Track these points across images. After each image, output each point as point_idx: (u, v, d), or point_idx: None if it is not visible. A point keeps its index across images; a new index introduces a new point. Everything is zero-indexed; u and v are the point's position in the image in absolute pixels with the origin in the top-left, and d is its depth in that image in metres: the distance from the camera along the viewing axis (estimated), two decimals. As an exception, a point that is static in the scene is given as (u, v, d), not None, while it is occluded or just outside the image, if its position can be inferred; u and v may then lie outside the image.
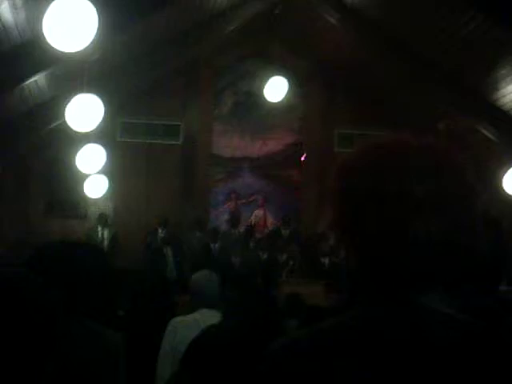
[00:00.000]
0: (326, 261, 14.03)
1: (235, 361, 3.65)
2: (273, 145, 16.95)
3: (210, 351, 3.81)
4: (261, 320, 4.00)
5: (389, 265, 1.49)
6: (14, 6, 8.21)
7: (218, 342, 3.87)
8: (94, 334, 2.75)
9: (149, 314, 6.90)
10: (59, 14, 6.16)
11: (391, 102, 15.32)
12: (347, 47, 14.15)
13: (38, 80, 10.78)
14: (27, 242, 11.77)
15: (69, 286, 2.66)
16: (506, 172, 11.80)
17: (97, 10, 6.35)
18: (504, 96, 11.62)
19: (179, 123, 16.52)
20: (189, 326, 4.96)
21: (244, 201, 16.79)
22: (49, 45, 6.40)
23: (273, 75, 13.30)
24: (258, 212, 16.70)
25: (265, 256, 14.00)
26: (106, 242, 14.89)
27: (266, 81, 13.47)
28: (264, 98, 13.83)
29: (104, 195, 14.52)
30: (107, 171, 13.41)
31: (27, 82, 10.61)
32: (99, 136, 11.99)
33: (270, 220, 16.66)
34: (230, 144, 16.84)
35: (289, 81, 13.59)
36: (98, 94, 9.58)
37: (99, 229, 15.14)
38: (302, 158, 16.97)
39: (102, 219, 15.17)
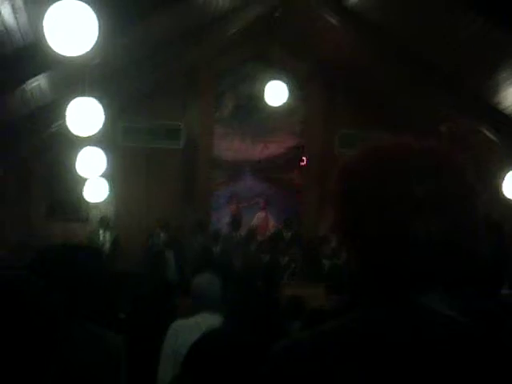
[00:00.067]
0: (328, 263, 14.02)
1: (236, 364, 3.65)
2: (274, 148, 16.95)
3: (212, 354, 3.81)
4: (262, 323, 4.00)
5: (390, 266, 1.50)
6: (15, 9, 8.22)
7: (220, 345, 3.87)
8: (95, 337, 2.75)
9: (150, 317, 6.89)
10: (60, 17, 6.17)
11: (392, 105, 15.32)
12: (347, 50, 14.17)
13: (39, 83, 10.78)
14: (29, 244, 11.75)
15: (70, 288, 2.66)
16: (506, 175, 11.79)
17: (97, 13, 6.36)
18: (505, 99, 11.62)
19: (180, 126, 16.52)
20: (190, 329, 4.96)
21: (245, 204, 16.79)
22: (51, 48, 6.41)
23: (273, 78, 13.30)
24: (260, 215, 16.69)
25: (266, 259, 14.00)
26: (107, 245, 14.91)
27: (266, 84, 13.47)
28: (265, 100, 13.84)
29: (105, 198, 14.53)
30: (108, 174, 13.41)
31: (29, 85, 10.62)
32: (100, 139, 12.00)
33: (272, 223, 16.66)
34: (231, 147, 16.84)
35: (289, 84, 13.60)
36: (99, 97, 9.60)
37: (101, 232, 15.16)
38: (303, 161, 16.97)
39: (104, 222, 15.18)
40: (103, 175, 12.96)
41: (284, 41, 15.25)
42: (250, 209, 16.71)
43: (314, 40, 15.14)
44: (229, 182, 16.92)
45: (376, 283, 1.55)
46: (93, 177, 12.86)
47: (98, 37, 6.44)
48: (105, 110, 9.68)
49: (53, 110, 12.09)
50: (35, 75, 10.23)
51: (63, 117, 9.74)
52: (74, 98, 9.44)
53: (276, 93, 13.29)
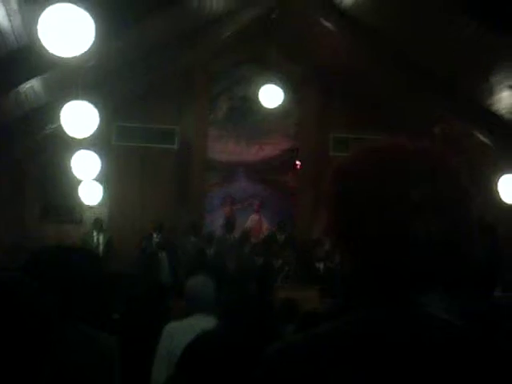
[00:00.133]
0: (321, 266, 14.03)
1: (230, 366, 3.66)
2: (268, 150, 16.94)
3: (206, 356, 3.82)
4: (256, 325, 4.00)
5: (388, 267, 1.49)
6: (9, 12, 8.22)
7: (213, 347, 3.87)
8: (88, 339, 2.75)
9: (143, 319, 6.89)
10: (54, 19, 6.17)
11: (387, 107, 15.32)
12: (342, 53, 14.18)
13: (33, 85, 10.77)
14: (22, 246, 11.73)
15: (64, 290, 2.66)
16: (500, 177, 11.81)
17: (92, 15, 6.36)
18: (499, 102, 11.65)
19: (174, 128, 16.52)
20: (184, 331, 4.95)
21: (239, 206, 16.78)
22: (45, 50, 6.41)
23: (268, 81, 13.30)
24: (254, 217, 16.69)
25: (260, 261, 13.99)
26: (101, 247, 14.89)
27: (261, 86, 13.46)
28: (259, 103, 13.83)
29: (99, 200, 14.52)
30: (102, 176, 13.41)
31: (23, 87, 10.61)
32: (94, 141, 11.99)
33: (266, 225, 16.65)
34: (225, 149, 16.83)
35: (284, 86, 13.60)
36: (93, 99, 9.59)
37: (94, 234, 15.13)
38: (298, 164, 16.97)
39: (98, 224, 15.16)
40: (97, 177, 12.96)
41: (279, 43, 15.25)
42: (243, 211, 16.71)
43: (309, 43, 15.14)
44: (223, 184, 16.91)
45: (372, 285, 1.55)
46: (87, 179, 12.85)
47: (93, 39, 6.44)
48: (99, 112, 9.68)
49: (47, 112, 12.08)
50: (29, 78, 10.23)
51: (57, 119, 9.74)
52: (68, 100, 9.44)
53: (271, 95, 13.29)
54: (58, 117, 9.55)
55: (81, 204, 14.92)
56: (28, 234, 14.72)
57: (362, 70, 14.46)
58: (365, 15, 12.10)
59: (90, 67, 9.79)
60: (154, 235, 14.96)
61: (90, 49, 6.58)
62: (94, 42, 6.53)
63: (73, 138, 10.21)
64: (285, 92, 13.52)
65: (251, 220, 16.60)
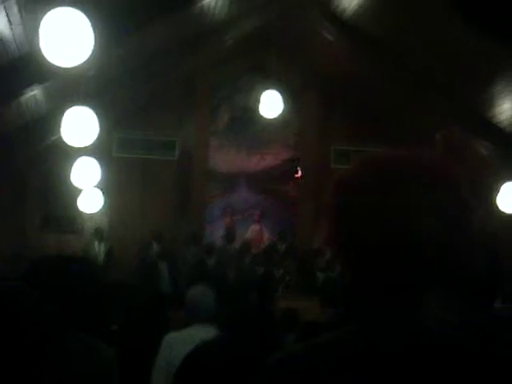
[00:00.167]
0: (322, 276, 14.01)
1: (230, 376, 3.65)
2: (269, 160, 16.93)
3: (205, 366, 3.80)
4: (257, 335, 3.99)
5: (388, 279, 1.50)
6: (11, 20, 8.23)
7: (213, 358, 3.86)
8: (88, 348, 2.74)
9: (142, 329, 6.88)
10: (55, 27, 6.17)
11: (388, 118, 15.32)
12: (344, 62, 14.19)
13: (34, 94, 10.78)
14: (23, 256, 11.71)
15: (64, 300, 2.66)
16: (500, 188, 11.80)
17: (93, 23, 6.36)
18: (500, 112, 11.65)
19: (175, 138, 16.51)
20: (184, 341, 4.94)
21: (240, 216, 16.76)
22: (46, 59, 6.42)
23: (268, 90, 13.26)
24: (254, 227, 16.67)
25: (261, 271, 13.98)
26: (101, 257, 14.87)
27: (261, 95, 13.43)
28: (260, 112, 13.81)
29: (100, 210, 14.50)
30: (103, 185, 13.40)
31: (24, 96, 10.62)
32: (95, 151, 11.99)
33: (267, 235, 16.63)
34: (226, 159, 16.81)
35: (285, 95, 13.58)
36: (94, 108, 9.58)
37: (95, 243, 15.12)
38: (299, 174, 16.95)
39: (98, 234, 15.15)
40: (98, 186, 12.95)
41: (280, 52, 15.25)
42: (244, 221, 16.68)
43: (310, 52, 15.16)
44: (223, 194, 16.88)
45: (372, 296, 1.55)
46: (87, 187, 12.83)
47: (94, 47, 6.45)
48: (100, 121, 9.66)
49: (48, 121, 12.09)
50: (30, 86, 10.23)
51: (58, 128, 9.73)
52: (69, 108, 9.43)
53: (271, 104, 13.25)
54: (59, 127, 9.54)
55: (81, 214, 14.90)
56: (28, 243, 14.70)
57: (363, 80, 14.46)
58: (365, 25, 12.12)
59: (91, 76, 9.80)
60: (154, 245, 14.95)
61: (91, 57, 6.57)
62: (95, 49, 6.53)
63: (73, 148, 10.19)
64: (285, 101, 13.49)
65: (252, 230, 16.58)
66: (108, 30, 8.68)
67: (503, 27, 9.05)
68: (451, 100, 12.22)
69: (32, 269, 2.82)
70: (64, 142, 9.76)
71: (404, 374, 1.42)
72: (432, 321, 1.51)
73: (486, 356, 1.48)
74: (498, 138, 12.20)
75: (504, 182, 11.80)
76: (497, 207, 11.77)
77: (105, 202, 14.35)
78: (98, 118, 9.57)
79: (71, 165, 11.77)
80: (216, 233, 16.36)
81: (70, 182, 11.93)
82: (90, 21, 6.34)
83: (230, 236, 15.41)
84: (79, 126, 9.35)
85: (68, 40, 6.24)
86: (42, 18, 6.19)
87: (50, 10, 6.23)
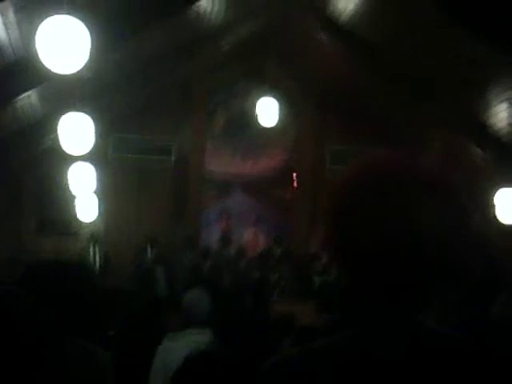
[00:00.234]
0: (319, 280, 14.01)
1: (226, 380, 3.64)
2: (265, 164, 16.94)
3: (201, 370, 3.80)
4: (252, 340, 3.99)
5: (385, 283, 1.50)
6: (7, 24, 8.23)
7: (209, 362, 3.86)
8: (85, 353, 2.74)
9: (140, 333, 6.87)
10: (52, 33, 6.17)
11: (384, 121, 15.32)
12: (340, 67, 14.19)
13: (30, 98, 10.77)
14: (19, 260, 11.70)
15: (60, 304, 2.65)
16: (497, 194, 11.82)
17: (89, 27, 6.36)
18: (496, 118, 11.66)
19: (172, 143, 16.51)
20: (180, 344, 4.95)
21: (236, 220, 16.76)
22: (42, 63, 6.41)
23: (265, 95, 13.24)
24: (250, 231, 16.67)
25: (256, 275, 13.97)
26: (97, 261, 14.86)
27: (258, 100, 13.39)
28: (257, 117, 13.77)
29: (95, 215, 14.48)
30: (98, 190, 13.38)
31: (20, 101, 10.61)
32: (91, 155, 11.97)
33: (262, 239, 16.64)
34: (222, 163, 16.82)
35: (281, 100, 13.58)
36: (90, 112, 9.57)
37: (91, 248, 15.11)
38: (294, 178, 16.96)
39: (94, 238, 15.14)
40: (93, 191, 12.93)
41: (277, 57, 15.26)
42: (240, 225, 16.69)
43: (307, 57, 15.15)
44: (219, 198, 16.89)
45: (368, 300, 1.55)
46: (83, 193, 12.82)
47: (90, 52, 6.44)
48: (96, 126, 9.66)
49: (44, 125, 12.08)
50: (26, 90, 10.22)
51: (54, 132, 9.72)
52: (65, 113, 9.41)
53: (267, 111, 13.21)
54: (55, 131, 9.53)
55: (77, 218, 14.89)
56: (24, 247, 14.68)
57: (359, 85, 14.46)
58: (361, 30, 12.12)
59: (87, 80, 9.79)
60: (148, 250, 14.95)
61: (87, 62, 6.56)
62: (92, 53, 6.53)
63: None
64: (282, 106, 13.49)
65: (247, 234, 16.58)
66: (104, 35, 8.67)
67: (500, 34, 9.06)
68: (448, 106, 12.22)
69: (28, 273, 2.81)
70: (60, 146, 9.75)
71: (400, 379, 1.42)
72: (432, 321, 1.51)
73: (485, 357, 1.48)
74: (494, 146, 12.21)
75: (500, 188, 11.81)
76: (494, 212, 11.77)
77: (100, 207, 14.33)
78: (94, 122, 9.56)
79: (67, 169, 11.76)
80: (212, 237, 16.35)
81: (66, 186, 11.92)
82: (87, 25, 6.33)
83: (225, 240, 15.41)
84: (76, 132, 9.32)
85: (65, 47, 6.23)
86: (38, 23, 6.18)
87: (46, 14, 6.22)
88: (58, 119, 9.45)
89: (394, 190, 1.51)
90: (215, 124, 16.94)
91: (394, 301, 1.51)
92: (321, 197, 14.80)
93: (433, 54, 10.94)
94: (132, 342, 6.79)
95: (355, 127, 15.73)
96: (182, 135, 16.47)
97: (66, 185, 11.84)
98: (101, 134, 11.31)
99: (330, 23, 12.68)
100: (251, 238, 16.63)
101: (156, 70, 13.54)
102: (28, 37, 7.84)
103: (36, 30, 6.19)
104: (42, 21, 6.18)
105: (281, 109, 13.35)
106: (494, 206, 11.73)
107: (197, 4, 11.03)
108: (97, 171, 12.13)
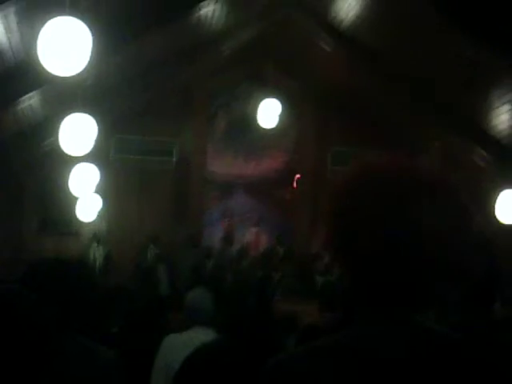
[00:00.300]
0: (321, 279, 14.01)
1: (229, 379, 3.64)
2: (267, 165, 16.97)
3: (204, 369, 3.80)
4: (255, 338, 3.99)
5: (386, 283, 1.50)
6: (7, 28, 8.23)
7: (212, 361, 3.85)
8: (88, 351, 2.73)
9: (142, 332, 6.87)
10: (53, 35, 6.15)
11: (385, 123, 15.34)
12: (341, 71, 14.19)
13: (31, 100, 10.78)
14: (21, 259, 11.72)
15: (62, 302, 2.65)
16: (497, 195, 11.81)
17: (90, 31, 6.35)
18: (497, 120, 11.67)
19: (173, 145, 16.53)
20: (183, 344, 4.94)
21: (238, 220, 16.78)
22: (42, 66, 6.40)
23: (266, 97, 13.20)
24: (252, 231, 16.69)
25: (259, 275, 13.98)
26: (99, 260, 14.87)
27: (259, 102, 13.36)
28: (258, 119, 13.75)
29: (98, 214, 14.48)
30: (101, 190, 13.38)
31: (21, 103, 10.62)
32: (93, 156, 11.97)
33: (264, 239, 16.66)
34: (223, 164, 16.84)
35: (282, 102, 13.56)
36: (91, 115, 9.55)
37: (93, 247, 15.13)
38: (296, 178, 16.99)
39: (96, 237, 15.16)
40: (96, 191, 12.92)
41: (277, 60, 15.25)
42: (242, 225, 16.71)
43: (307, 60, 15.15)
44: (221, 199, 16.92)
45: (370, 299, 1.55)
46: (86, 192, 12.80)
47: (91, 55, 6.43)
48: (97, 128, 9.65)
49: (45, 127, 12.09)
50: (27, 93, 10.23)
51: (55, 134, 9.72)
52: (66, 115, 9.40)
53: (269, 113, 13.18)
54: (57, 131, 9.53)
55: (78, 218, 14.91)
56: (26, 247, 14.71)
57: (360, 89, 14.47)
58: (362, 35, 12.14)
59: (88, 83, 9.79)
60: (151, 248, 14.96)
61: (88, 64, 6.56)
62: (93, 57, 6.52)
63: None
64: (283, 108, 13.48)
65: (250, 234, 16.60)
66: (106, 38, 8.69)
67: (501, 38, 9.06)
68: (449, 110, 12.23)
69: (30, 271, 2.81)
70: (61, 148, 9.75)
71: (402, 378, 1.42)
72: (432, 321, 1.51)
73: (485, 357, 1.48)
74: (494, 148, 12.22)
75: (500, 190, 11.81)
76: (494, 214, 11.77)
77: (103, 207, 14.33)
78: (96, 123, 9.55)
79: (68, 169, 11.76)
80: (214, 236, 16.37)
81: (67, 187, 11.91)
82: (89, 28, 6.32)
83: (228, 239, 15.43)
84: (77, 133, 9.29)
85: (66, 50, 6.21)
86: (39, 27, 6.17)
87: (47, 17, 6.20)
88: (59, 121, 9.44)
89: (394, 191, 1.51)
90: (216, 127, 16.96)
91: (395, 301, 1.51)
92: (322, 197, 14.82)
93: (434, 57, 10.95)
94: (134, 340, 6.79)
95: (356, 128, 15.76)
96: (184, 137, 16.50)
97: (68, 185, 11.83)
98: (103, 135, 11.31)
99: (332, 29, 12.70)
100: (253, 238, 16.65)
101: (157, 74, 13.55)
102: (29, 41, 7.85)
103: (37, 33, 6.18)
104: (44, 23, 6.17)
105: (282, 111, 13.34)
106: (494, 206, 11.74)
107: (198, 9, 11.04)
108: (99, 172, 12.12)
